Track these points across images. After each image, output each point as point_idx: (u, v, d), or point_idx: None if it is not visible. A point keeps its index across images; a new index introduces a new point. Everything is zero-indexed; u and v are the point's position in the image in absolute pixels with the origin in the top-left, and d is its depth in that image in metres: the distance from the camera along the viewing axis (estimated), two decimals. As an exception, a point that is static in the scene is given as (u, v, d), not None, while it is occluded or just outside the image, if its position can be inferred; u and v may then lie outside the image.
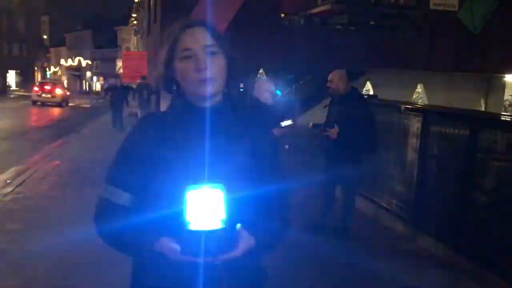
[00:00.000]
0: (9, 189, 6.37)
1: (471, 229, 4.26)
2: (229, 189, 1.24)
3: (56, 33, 70.61)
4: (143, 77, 15.29)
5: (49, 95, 26.29)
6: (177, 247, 1.23)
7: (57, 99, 26.37)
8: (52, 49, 73.72)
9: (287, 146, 5.52)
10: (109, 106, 14.36)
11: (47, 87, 27.01)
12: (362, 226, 5.34)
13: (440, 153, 4.76)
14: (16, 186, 6.54)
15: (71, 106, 28.41)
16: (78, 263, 3.79)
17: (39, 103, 26.01)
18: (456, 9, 17.14)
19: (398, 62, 18.11)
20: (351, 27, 20.79)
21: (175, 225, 1.24)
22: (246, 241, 1.30)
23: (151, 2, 21.49)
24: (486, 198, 4.45)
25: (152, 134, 1.41)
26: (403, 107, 5.25)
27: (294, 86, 17.72)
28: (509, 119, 5.45)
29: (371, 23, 20.44)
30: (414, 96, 21.31)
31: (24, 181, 6.94)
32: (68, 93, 30.28)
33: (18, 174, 7.37)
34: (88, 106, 31.83)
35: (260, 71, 19.12)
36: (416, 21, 19.62)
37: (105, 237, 1.41)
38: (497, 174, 4.36)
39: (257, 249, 1.35)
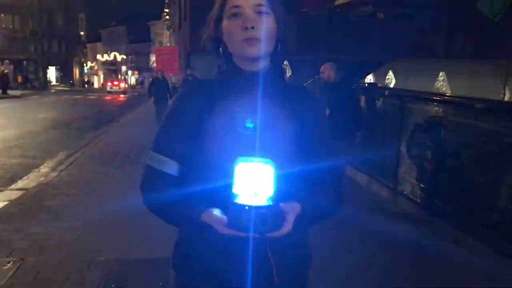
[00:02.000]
0: (63, 167, 7.65)
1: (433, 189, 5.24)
2: (278, 164, 1.19)
3: (92, 29, 73.10)
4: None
5: (117, 87, 41.04)
6: (224, 218, 1.19)
7: (121, 90, 40.58)
8: (88, 45, 76.28)
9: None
10: (153, 101, 13.39)
11: (115, 82, 43.45)
12: (357, 194, 6.35)
13: (414, 134, 5.72)
14: (68, 165, 7.82)
15: (108, 98, 30.47)
16: (119, 225, 4.68)
17: (111, 91, 39.59)
18: (475, -3, 17.59)
19: (417, 50, 18.68)
20: (373, 18, 21.27)
21: (222, 197, 1.21)
22: (293, 213, 1.25)
23: (182, 0, 22.59)
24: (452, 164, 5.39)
25: (200, 101, 1.37)
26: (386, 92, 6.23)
27: (316, 76, 18.49)
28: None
29: (393, 13, 20.88)
30: (436, 84, 21.77)
31: (74, 161, 8.21)
32: (126, 86, 45.54)
33: (68, 156, 8.66)
34: (123, 98, 33.88)
35: (285, 62, 20.02)
36: (435, 9, 19.99)
37: (151, 207, 1.38)
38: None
39: (304, 223, 1.30)
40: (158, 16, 47.88)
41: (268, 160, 1.18)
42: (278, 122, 1.35)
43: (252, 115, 1.31)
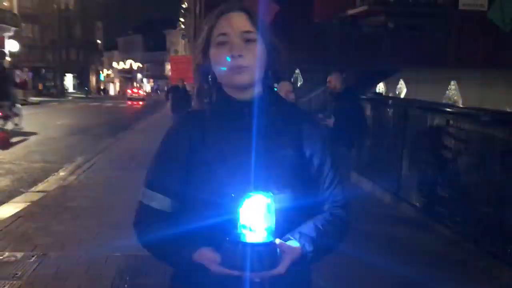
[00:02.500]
0: (81, 171, 8.02)
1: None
2: (277, 192, 1.16)
3: (109, 37, 74.33)
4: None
5: (136, 95, 44.11)
6: (217, 257, 1.15)
7: (141, 97, 43.54)
8: (105, 53, 77.47)
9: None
10: (171, 109, 12.72)
11: (135, 90, 47.90)
12: (360, 199, 6.58)
13: (415, 142, 5.96)
14: (86, 169, 8.19)
15: (124, 105, 31.09)
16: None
17: (131, 98, 41.40)
18: (486, 8, 17.70)
19: (428, 60, 18.83)
20: (386, 27, 21.44)
21: (217, 234, 1.17)
22: (290, 255, 1.19)
23: (197, 10, 23.07)
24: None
25: (192, 134, 1.32)
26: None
27: (324, 87, 18.69)
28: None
29: (406, 22, 21.03)
30: (448, 93, 21.82)
31: (91, 165, 8.58)
32: (145, 93, 50.06)
33: (86, 161, 9.04)
34: (139, 105, 34.52)
35: (297, 71, 20.29)
36: (446, 19, 20.11)
37: (144, 244, 1.32)
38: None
39: (305, 260, 1.24)
40: (174, 25, 48.59)
41: (266, 192, 1.13)
42: (275, 150, 1.29)
43: (245, 148, 1.25)
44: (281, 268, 1.16)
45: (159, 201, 1.32)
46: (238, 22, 1.30)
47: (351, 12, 20.60)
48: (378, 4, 20.11)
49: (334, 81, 6.18)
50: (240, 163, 1.25)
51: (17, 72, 39.50)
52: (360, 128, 6.09)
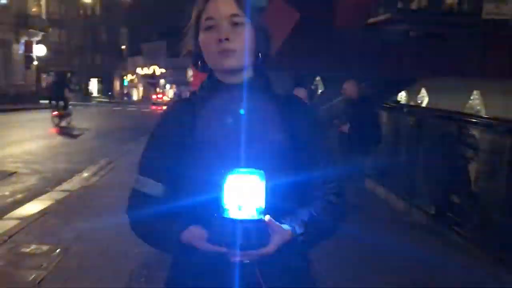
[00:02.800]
0: (103, 172, 8.30)
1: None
2: (267, 176, 1.13)
3: (133, 43, 75.40)
4: None
5: (160, 100, 47.08)
6: (203, 232, 1.16)
7: (164, 102, 44.64)
8: (129, 58, 78.60)
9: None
10: None
11: (159, 96, 51.22)
12: (374, 206, 6.69)
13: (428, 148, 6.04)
14: (108, 171, 8.46)
15: (147, 110, 31.63)
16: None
17: (156, 103, 44.08)
18: (510, 17, 17.56)
19: (451, 69, 18.70)
20: (406, 35, 21.39)
21: (207, 213, 1.16)
22: (279, 236, 1.17)
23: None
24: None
25: (181, 119, 1.33)
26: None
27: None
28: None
29: (429, 31, 20.94)
30: (471, 103, 21.64)
31: (113, 168, 8.86)
32: (169, 98, 51.24)
33: (109, 163, 9.33)
34: (162, 110, 34.99)
35: (317, 78, 20.40)
36: (469, 28, 19.97)
37: (136, 230, 1.34)
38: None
39: (296, 243, 1.22)
40: (198, 32, 49.08)
41: (256, 170, 1.13)
42: (265, 134, 1.29)
43: (234, 129, 1.27)
44: (270, 248, 1.15)
45: (151, 187, 1.33)
46: (225, 5, 1.29)
47: (373, 20, 20.61)
48: (402, 12, 20.11)
49: (349, 88, 6.32)
50: (229, 144, 1.26)
51: (43, 76, 40.75)
52: (375, 135, 6.20)
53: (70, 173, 8.22)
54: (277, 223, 1.19)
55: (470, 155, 5.50)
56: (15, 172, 8.22)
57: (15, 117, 20.77)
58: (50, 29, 38.80)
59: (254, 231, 1.12)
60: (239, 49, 1.28)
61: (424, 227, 5.78)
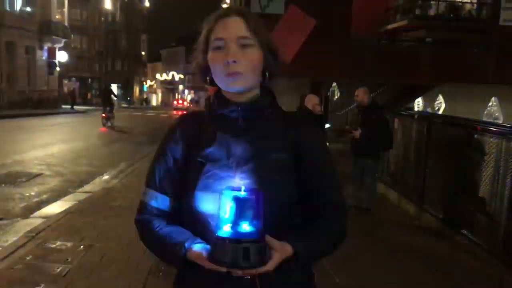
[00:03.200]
0: (123, 175, 8.60)
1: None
2: (268, 196, 1.14)
3: (153, 49, 76.44)
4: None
5: (181, 105, 48.88)
6: (202, 252, 1.17)
7: (185, 107, 46.98)
8: (149, 65, 79.58)
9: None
10: None
11: (180, 101, 52.90)
12: (387, 209, 6.86)
13: (439, 155, 6.19)
14: (128, 174, 8.76)
15: (166, 116, 32.15)
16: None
17: (177, 108, 46.00)
18: (527, 24, 17.47)
19: (467, 75, 18.64)
20: (422, 42, 21.31)
21: (209, 231, 1.19)
22: (279, 254, 1.17)
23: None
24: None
25: (188, 134, 1.36)
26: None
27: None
28: None
29: (445, 37, 20.85)
30: (489, 110, 21.49)
31: (133, 171, 9.15)
32: (189, 104, 53.60)
33: (128, 166, 9.64)
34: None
35: (334, 84, 20.54)
36: (487, 34, 19.84)
37: (144, 242, 1.37)
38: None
39: (298, 261, 1.22)
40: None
41: (255, 189, 1.15)
42: (269, 153, 1.30)
43: (238, 148, 1.28)
44: (269, 266, 1.15)
45: (158, 200, 1.35)
46: (234, 27, 1.29)
47: (390, 26, 20.60)
48: (419, 19, 20.08)
49: (361, 95, 6.51)
50: (233, 162, 1.28)
51: (65, 81, 41.60)
52: (385, 141, 6.39)
53: (92, 176, 8.55)
54: (277, 241, 1.19)
55: (478, 160, 5.64)
56: (40, 174, 8.58)
57: (38, 121, 21.33)
58: (72, 36, 39.65)
59: (254, 249, 1.12)
60: (246, 72, 1.28)
61: (433, 230, 5.93)
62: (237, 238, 1.11)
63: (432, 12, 19.96)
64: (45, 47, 32.94)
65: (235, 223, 1.12)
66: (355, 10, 18.35)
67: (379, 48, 18.96)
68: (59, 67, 34.91)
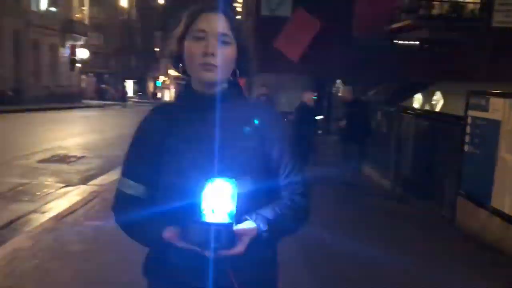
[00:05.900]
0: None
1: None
2: (240, 182, 1.25)
3: (166, 45, 77.56)
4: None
5: None
6: (177, 231, 1.28)
7: None
8: (162, 60, 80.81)
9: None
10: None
11: None
12: (368, 186, 8.47)
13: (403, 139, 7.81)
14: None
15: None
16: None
17: None
18: (519, 25, 18.56)
19: (461, 74, 19.69)
20: (427, 42, 22.29)
21: (182, 215, 1.28)
22: (246, 237, 1.29)
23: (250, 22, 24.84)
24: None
25: (160, 125, 1.42)
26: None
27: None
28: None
29: (438, 35, 21.80)
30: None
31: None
32: None
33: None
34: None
35: (338, 81, 21.80)
36: (480, 33, 20.73)
37: (121, 226, 1.44)
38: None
39: (263, 243, 1.34)
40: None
41: (229, 178, 1.24)
42: (237, 141, 1.38)
43: (209, 137, 1.35)
44: (239, 248, 1.27)
45: (134, 188, 1.42)
46: (218, 23, 1.37)
47: (394, 26, 21.43)
48: (423, 19, 21.03)
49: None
50: (203, 150, 1.35)
51: (83, 77, 43.37)
52: (365, 129, 8.02)
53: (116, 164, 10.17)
54: (243, 224, 1.32)
55: (435, 145, 7.22)
56: (83, 156, 10.33)
57: (66, 114, 23.15)
58: (89, 32, 41.31)
59: (225, 233, 1.24)
60: (220, 66, 1.36)
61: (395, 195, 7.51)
62: (209, 222, 1.24)
63: (435, 12, 20.87)
64: (67, 45, 34.83)
65: (207, 207, 1.25)
66: (358, 9, 19.27)
67: (379, 47, 19.96)
68: (79, 63, 36.76)
